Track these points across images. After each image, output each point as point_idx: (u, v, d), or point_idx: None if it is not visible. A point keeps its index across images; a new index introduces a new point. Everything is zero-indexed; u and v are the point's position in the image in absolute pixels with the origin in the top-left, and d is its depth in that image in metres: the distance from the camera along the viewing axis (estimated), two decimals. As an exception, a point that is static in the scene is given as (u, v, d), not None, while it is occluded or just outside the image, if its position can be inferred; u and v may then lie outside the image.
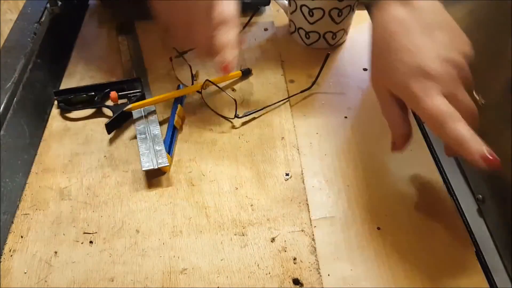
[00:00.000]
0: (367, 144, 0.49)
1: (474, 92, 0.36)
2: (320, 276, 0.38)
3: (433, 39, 0.35)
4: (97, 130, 0.50)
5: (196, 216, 0.42)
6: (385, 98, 0.38)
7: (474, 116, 0.35)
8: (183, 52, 0.58)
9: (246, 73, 0.57)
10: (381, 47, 0.38)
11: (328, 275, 0.38)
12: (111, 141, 0.49)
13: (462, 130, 0.32)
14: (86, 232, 0.41)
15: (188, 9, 0.42)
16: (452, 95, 0.34)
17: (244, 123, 0.51)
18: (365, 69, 0.58)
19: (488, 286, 0.38)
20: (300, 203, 0.43)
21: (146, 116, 0.50)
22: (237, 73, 0.56)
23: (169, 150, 0.47)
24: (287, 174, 0.46)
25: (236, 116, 0.51)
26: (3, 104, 0.44)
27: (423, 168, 0.46)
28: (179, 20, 0.44)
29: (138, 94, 0.53)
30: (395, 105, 0.38)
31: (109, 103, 0.52)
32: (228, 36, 0.41)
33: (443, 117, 0.33)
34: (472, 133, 0.32)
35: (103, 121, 0.50)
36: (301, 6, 0.57)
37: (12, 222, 0.42)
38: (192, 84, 0.54)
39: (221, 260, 0.39)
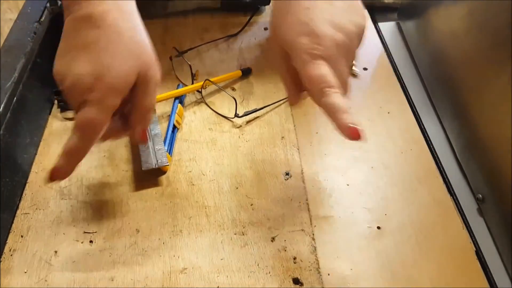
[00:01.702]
0: (367, 143, 0.49)
1: (354, 62, 0.37)
2: (320, 275, 0.38)
3: (332, 4, 0.36)
4: (97, 130, 0.50)
5: (196, 216, 0.42)
6: (278, 55, 0.39)
7: (347, 86, 0.37)
8: (183, 51, 0.58)
9: (246, 73, 0.57)
10: (282, 6, 0.38)
11: (328, 274, 0.38)
12: (111, 140, 0.49)
13: (338, 100, 0.34)
14: (86, 231, 0.41)
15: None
16: (333, 61, 0.35)
17: (244, 123, 0.51)
18: (365, 69, 0.57)
19: (488, 286, 0.38)
20: (300, 202, 0.43)
21: (146, 116, 0.50)
22: (237, 72, 0.56)
23: (169, 149, 0.47)
24: (287, 174, 0.46)
25: (236, 115, 0.51)
26: (3, 103, 0.44)
27: (423, 168, 0.46)
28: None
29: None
30: (284, 63, 0.38)
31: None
32: (73, 143, 0.36)
33: (322, 86, 0.34)
34: (345, 104, 0.34)
35: (103, 120, 0.50)
36: (301, 5, 0.57)
37: (12, 222, 0.42)
38: (192, 83, 0.54)
39: (221, 259, 0.39)
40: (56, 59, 0.37)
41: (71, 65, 0.35)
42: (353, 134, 0.34)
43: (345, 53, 0.36)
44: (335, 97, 0.34)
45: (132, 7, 0.40)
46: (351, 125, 0.34)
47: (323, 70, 0.35)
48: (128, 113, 0.38)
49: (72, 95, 0.36)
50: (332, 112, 0.34)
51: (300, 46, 0.35)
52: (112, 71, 0.35)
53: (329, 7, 0.36)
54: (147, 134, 0.40)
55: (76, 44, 0.36)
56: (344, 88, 0.36)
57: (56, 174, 0.36)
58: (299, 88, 0.39)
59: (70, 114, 0.52)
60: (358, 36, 0.37)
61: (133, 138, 0.40)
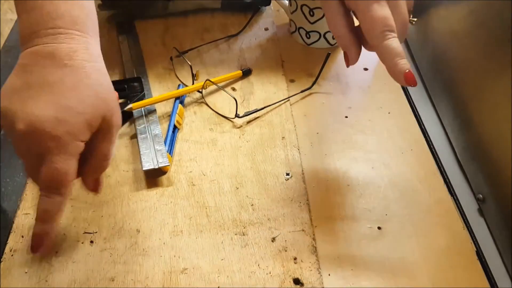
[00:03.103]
0: (367, 144, 0.49)
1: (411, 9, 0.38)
2: (321, 275, 0.38)
3: None
4: (97, 130, 0.50)
5: (197, 216, 0.42)
6: (334, 9, 0.38)
7: (405, 31, 0.37)
8: (184, 51, 0.58)
9: (246, 73, 0.57)
10: None
11: (329, 274, 0.38)
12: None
13: (396, 45, 0.35)
14: (86, 231, 0.41)
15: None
16: (394, 4, 0.35)
17: (244, 123, 0.51)
18: (365, 69, 0.58)
19: (488, 286, 0.38)
20: (300, 202, 0.43)
21: (146, 116, 0.50)
22: (237, 72, 0.56)
23: (170, 149, 0.47)
24: (287, 174, 0.46)
25: (236, 115, 0.51)
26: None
27: (423, 168, 0.46)
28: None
29: (138, 93, 0.53)
30: (342, 17, 0.38)
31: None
32: (48, 204, 0.33)
33: (384, 28, 0.34)
34: (401, 49, 0.35)
35: (104, 120, 0.50)
36: (302, 5, 0.57)
37: (13, 222, 0.42)
38: (193, 83, 0.54)
39: (222, 259, 0.39)
40: (5, 95, 0.32)
41: (27, 105, 0.31)
42: (409, 79, 0.34)
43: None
44: (394, 42, 0.34)
45: (98, 49, 0.37)
46: (407, 71, 0.34)
47: (386, 11, 0.35)
48: (82, 158, 0.34)
49: (27, 142, 0.31)
50: (389, 57, 0.35)
51: None
52: (77, 116, 0.32)
53: None
54: (99, 183, 0.37)
55: (36, 81, 0.32)
56: (403, 33, 0.37)
57: (39, 243, 0.33)
58: (358, 44, 0.38)
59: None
60: None
61: (85, 186, 0.36)
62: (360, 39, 0.39)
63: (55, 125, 0.31)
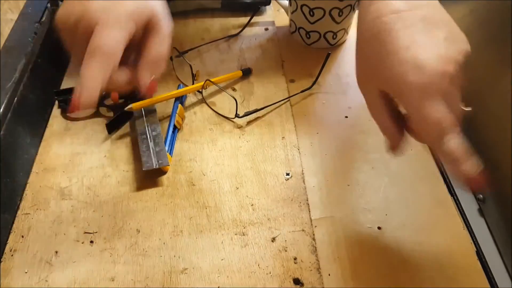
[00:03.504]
0: (367, 144, 0.49)
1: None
2: (321, 275, 0.38)
3: (433, 35, 0.32)
4: (97, 130, 0.50)
5: (197, 216, 0.42)
6: (374, 98, 0.35)
7: (460, 118, 0.33)
8: (184, 52, 0.58)
9: (246, 73, 0.57)
10: (373, 41, 0.34)
11: (329, 275, 0.38)
12: (112, 141, 0.49)
13: (455, 147, 0.31)
14: (86, 231, 0.41)
15: (69, 29, 0.37)
16: (449, 96, 0.31)
17: (244, 123, 0.51)
18: (365, 69, 0.57)
19: (488, 286, 0.38)
20: (300, 202, 0.43)
21: (146, 116, 0.50)
22: (237, 72, 0.56)
23: (170, 149, 0.47)
24: (287, 174, 0.46)
25: (236, 115, 0.51)
26: (4, 104, 0.44)
27: (423, 168, 0.46)
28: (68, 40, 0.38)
29: (138, 93, 0.53)
30: (384, 107, 0.35)
31: (110, 102, 0.52)
32: (91, 71, 0.35)
33: (442, 128, 0.31)
34: (464, 149, 0.31)
35: (104, 121, 0.51)
36: (302, 5, 0.57)
37: (13, 222, 0.42)
38: (193, 83, 0.54)
39: (222, 260, 0.39)
40: (63, 4, 0.36)
41: (80, 4, 0.35)
42: (475, 184, 0.31)
43: (458, 85, 0.32)
44: (453, 144, 0.31)
45: None
46: (472, 176, 0.31)
47: (440, 111, 0.30)
48: (136, 63, 0.38)
49: (81, 24, 0.35)
50: (450, 162, 0.31)
51: (411, 85, 0.31)
52: (126, 5, 0.35)
53: (431, 40, 0.32)
54: (154, 85, 0.38)
55: None
56: (459, 122, 0.32)
57: (78, 102, 0.34)
58: (402, 132, 0.35)
59: (70, 114, 0.52)
60: (464, 55, 0.33)
61: (141, 89, 0.38)
62: (404, 125, 0.35)
63: (105, 10, 0.35)
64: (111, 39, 0.34)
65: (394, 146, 0.36)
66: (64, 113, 0.52)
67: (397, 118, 0.35)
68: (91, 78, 0.34)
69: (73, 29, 0.35)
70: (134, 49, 0.39)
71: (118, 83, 0.37)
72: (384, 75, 0.33)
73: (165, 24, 0.39)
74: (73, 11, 0.35)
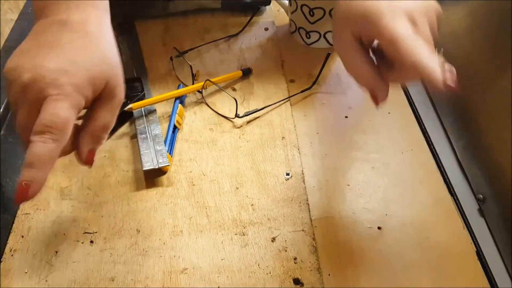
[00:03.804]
0: (367, 144, 0.49)
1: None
2: (321, 276, 0.38)
3: None
4: (97, 130, 0.50)
5: (197, 216, 0.42)
6: (350, 44, 0.34)
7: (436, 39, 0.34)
8: (184, 51, 0.58)
9: (246, 73, 0.57)
10: None
11: (329, 275, 0.38)
12: (112, 141, 0.49)
13: (431, 55, 0.31)
14: (86, 231, 0.41)
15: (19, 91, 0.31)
16: (417, 20, 0.32)
17: (244, 123, 0.51)
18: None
19: (488, 286, 0.38)
20: (300, 203, 0.43)
21: (146, 116, 0.50)
22: (237, 72, 0.56)
23: (170, 149, 0.47)
24: (287, 174, 0.46)
25: (236, 115, 0.51)
26: (3, 104, 0.44)
27: (423, 168, 0.46)
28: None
29: (138, 93, 0.53)
30: (360, 52, 0.34)
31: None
32: (40, 151, 0.30)
33: (418, 43, 0.31)
34: (434, 58, 0.32)
35: (104, 120, 0.50)
36: (302, 5, 0.57)
37: (13, 222, 0.42)
38: (193, 83, 0.54)
39: (222, 259, 0.39)
40: (15, 54, 0.32)
41: (36, 59, 0.31)
42: (448, 86, 0.31)
43: (425, 14, 0.33)
44: (428, 52, 0.31)
45: (109, 24, 0.38)
46: (447, 79, 0.31)
47: (409, 27, 0.32)
48: (79, 130, 0.34)
49: (30, 90, 0.30)
50: (422, 70, 0.31)
51: (380, 8, 0.32)
52: (82, 71, 0.32)
53: None
54: (93, 156, 0.35)
55: (46, 42, 0.32)
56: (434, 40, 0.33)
57: (25, 191, 0.30)
58: (381, 77, 0.35)
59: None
60: (435, 11, 0.34)
61: (79, 156, 0.34)
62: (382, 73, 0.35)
63: (60, 74, 0.31)
64: (63, 115, 0.30)
65: (377, 96, 0.36)
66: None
67: (372, 65, 0.35)
68: (42, 164, 0.30)
69: (22, 89, 0.31)
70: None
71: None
72: (359, 7, 0.33)
73: (120, 91, 0.35)
74: (23, 67, 0.31)
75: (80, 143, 0.34)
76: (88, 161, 0.34)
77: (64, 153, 0.33)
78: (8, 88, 0.32)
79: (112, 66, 0.35)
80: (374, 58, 0.36)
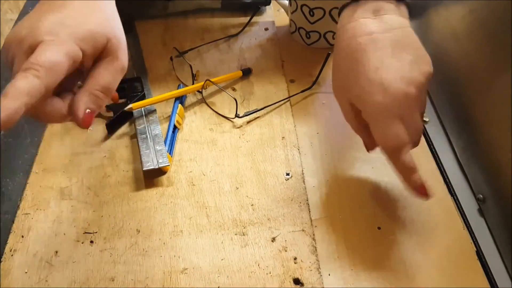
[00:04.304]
0: (367, 144, 0.49)
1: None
2: (321, 275, 0.38)
3: (400, 58, 0.36)
4: (97, 130, 0.50)
5: (197, 216, 0.42)
6: (346, 107, 0.40)
7: (419, 137, 0.38)
8: (184, 52, 0.58)
9: (246, 73, 0.57)
10: (347, 58, 0.38)
11: (329, 274, 0.38)
12: (112, 141, 0.49)
13: (408, 159, 0.36)
14: (86, 231, 0.41)
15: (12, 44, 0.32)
16: (408, 117, 0.36)
17: (244, 123, 0.51)
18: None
19: (488, 286, 0.38)
20: (300, 202, 0.43)
21: (146, 116, 0.50)
22: (237, 72, 0.56)
23: (170, 149, 0.47)
24: (287, 174, 0.46)
25: (236, 115, 0.51)
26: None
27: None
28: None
29: (138, 93, 0.53)
30: (354, 116, 0.39)
31: (110, 102, 0.52)
32: (19, 83, 0.28)
33: (398, 147, 0.36)
34: (414, 162, 0.36)
35: (104, 121, 0.51)
36: (302, 5, 0.57)
37: (13, 222, 0.42)
38: (193, 83, 0.54)
39: (222, 259, 0.39)
40: (11, 29, 0.33)
41: (34, 21, 0.32)
42: (421, 193, 0.37)
43: (419, 106, 0.36)
44: (407, 157, 0.36)
45: (114, 3, 0.37)
46: (420, 186, 0.37)
47: (397, 129, 0.35)
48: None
49: (26, 40, 0.30)
50: (403, 172, 0.37)
51: (373, 106, 0.36)
52: (82, 24, 0.32)
53: (398, 62, 0.36)
54: (91, 118, 0.33)
55: (48, 7, 0.33)
56: (417, 139, 0.38)
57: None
58: (371, 136, 0.39)
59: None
60: (428, 84, 0.37)
61: (76, 115, 0.32)
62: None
63: (57, 25, 0.31)
64: (51, 56, 0.29)
65: (368, 145, 0.42)
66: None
67: (366, 126, 0.38)
68: (17, 95, 0.28)
69: (19, 43, 0.31)
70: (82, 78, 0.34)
71: (52, 113, 0.32)
72: (355, 92, 0.37)
73: (122, 55, 0.34)
74: (21, 31, 0.31)
75: (78, 101, 0.32)
76: (84, 122, 0.32)
77: (61, 118, 0.32)
78: (7, 50, 0.32)
79: (114, 28, 0.34)
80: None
